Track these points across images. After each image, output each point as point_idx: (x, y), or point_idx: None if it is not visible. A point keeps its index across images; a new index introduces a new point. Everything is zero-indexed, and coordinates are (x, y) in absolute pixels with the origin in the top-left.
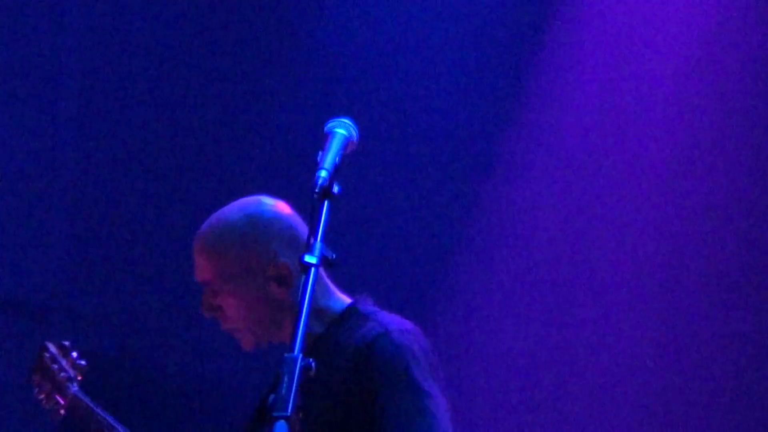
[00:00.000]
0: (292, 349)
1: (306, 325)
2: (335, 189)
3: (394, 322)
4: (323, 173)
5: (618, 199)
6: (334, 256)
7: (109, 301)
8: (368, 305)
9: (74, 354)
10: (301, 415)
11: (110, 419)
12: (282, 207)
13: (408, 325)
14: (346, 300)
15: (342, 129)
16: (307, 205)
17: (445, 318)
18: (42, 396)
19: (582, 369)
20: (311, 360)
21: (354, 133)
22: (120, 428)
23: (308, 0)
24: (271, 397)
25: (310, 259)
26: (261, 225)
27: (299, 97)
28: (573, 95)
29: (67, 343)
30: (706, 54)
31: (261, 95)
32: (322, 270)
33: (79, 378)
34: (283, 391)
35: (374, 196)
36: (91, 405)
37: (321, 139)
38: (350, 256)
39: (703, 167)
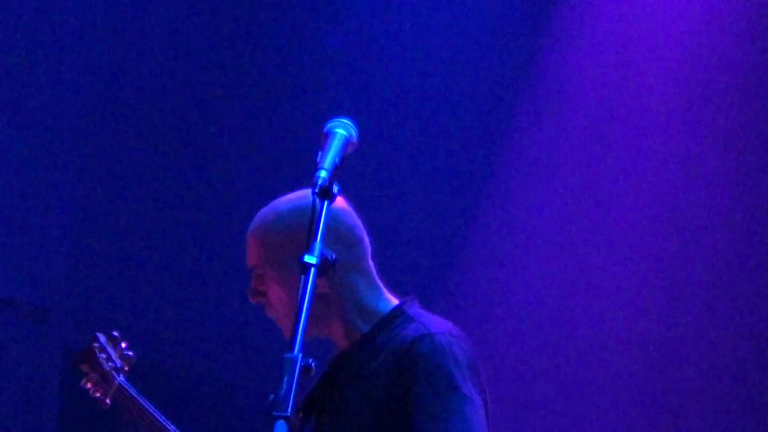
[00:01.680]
0: (291, 349)
1: (306, 325)
2: (335, 189)
3: (438, 324)
4: (323, 173)
5: (620, 198)
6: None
7: (110, 302)
8: (415, 307)
9: (123, 345)
10: (301, 415)
11: (154, 411)
12: (338, 201)
13: (453, 329)
14: (394, 301)
15: (342, 129)
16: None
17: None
18: (89, 385)
19: (585, 370)
20: (311, 360)
21: (354, 134)
22: (163, 420)
23: (309, 0)
24: (271, 397)
25: (309, 259)
26: (309, 215)
27: (299, 97)
28: (575, 95)
29: (116, 333)
30: (706, 55)
31: (261, 95)
32: (373, 269)
33: (126, 369)
34: (283, 391)
35: (374, 197)
36: (136, 396)
37: (321, 139)
38: None
39: (704, 167)
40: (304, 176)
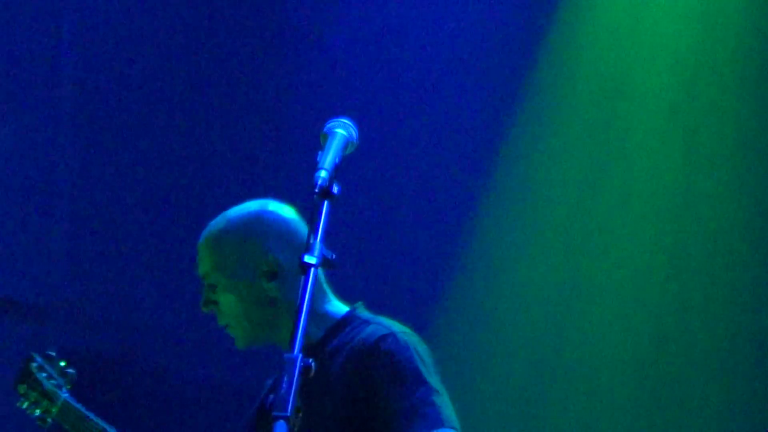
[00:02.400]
0: (291, 349)
1: (305, 326)
2: (335, 189)
3: (396, 325)
4: (323, 173)
5: (620, 198)
6: (333, 257)
7: (110, 302)
8: (365, 312)
9: (62, 363)
10: (301, 415)
11: (102, 423)
12: (286, 210)
13: (409, 329)
14: (345, 307)
15: (342, 129)
16: (307, 205)
17: (445, 320)
18: (28, 405)
19: (586, 370)
20: (311, 360)
21: (354, 134)
22: (111, 430)
23: (309, 0)
24: (271, 397)
25: (309, 259)
26: (259, 223)
27: (299, 97)
28: (575, 95)
29: (53, 353)
30: (706, 54)
31: (261, 95)
32: (321, 276)
33: (69, 386)
34: (283, 391)
35: (374, 197)
36: (83, 410)
37: (321, 139)
38: (349, 259)
39: (704, 167)
40: (304, 176)
